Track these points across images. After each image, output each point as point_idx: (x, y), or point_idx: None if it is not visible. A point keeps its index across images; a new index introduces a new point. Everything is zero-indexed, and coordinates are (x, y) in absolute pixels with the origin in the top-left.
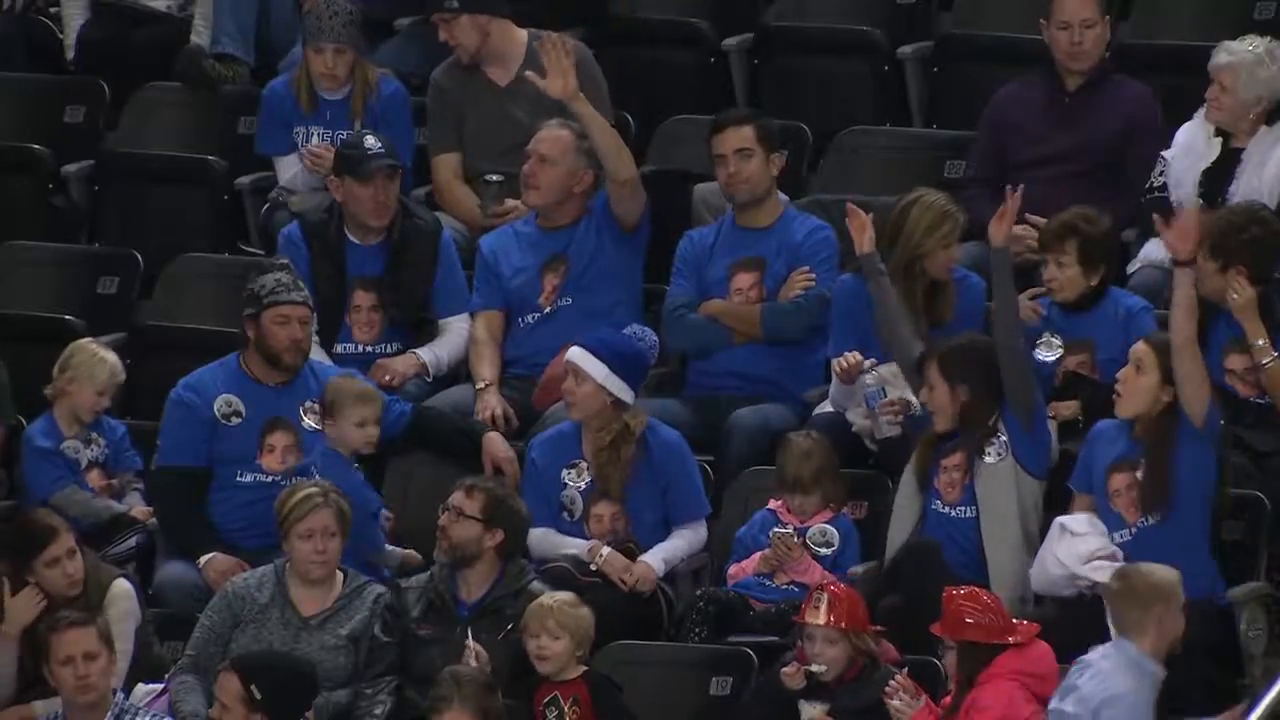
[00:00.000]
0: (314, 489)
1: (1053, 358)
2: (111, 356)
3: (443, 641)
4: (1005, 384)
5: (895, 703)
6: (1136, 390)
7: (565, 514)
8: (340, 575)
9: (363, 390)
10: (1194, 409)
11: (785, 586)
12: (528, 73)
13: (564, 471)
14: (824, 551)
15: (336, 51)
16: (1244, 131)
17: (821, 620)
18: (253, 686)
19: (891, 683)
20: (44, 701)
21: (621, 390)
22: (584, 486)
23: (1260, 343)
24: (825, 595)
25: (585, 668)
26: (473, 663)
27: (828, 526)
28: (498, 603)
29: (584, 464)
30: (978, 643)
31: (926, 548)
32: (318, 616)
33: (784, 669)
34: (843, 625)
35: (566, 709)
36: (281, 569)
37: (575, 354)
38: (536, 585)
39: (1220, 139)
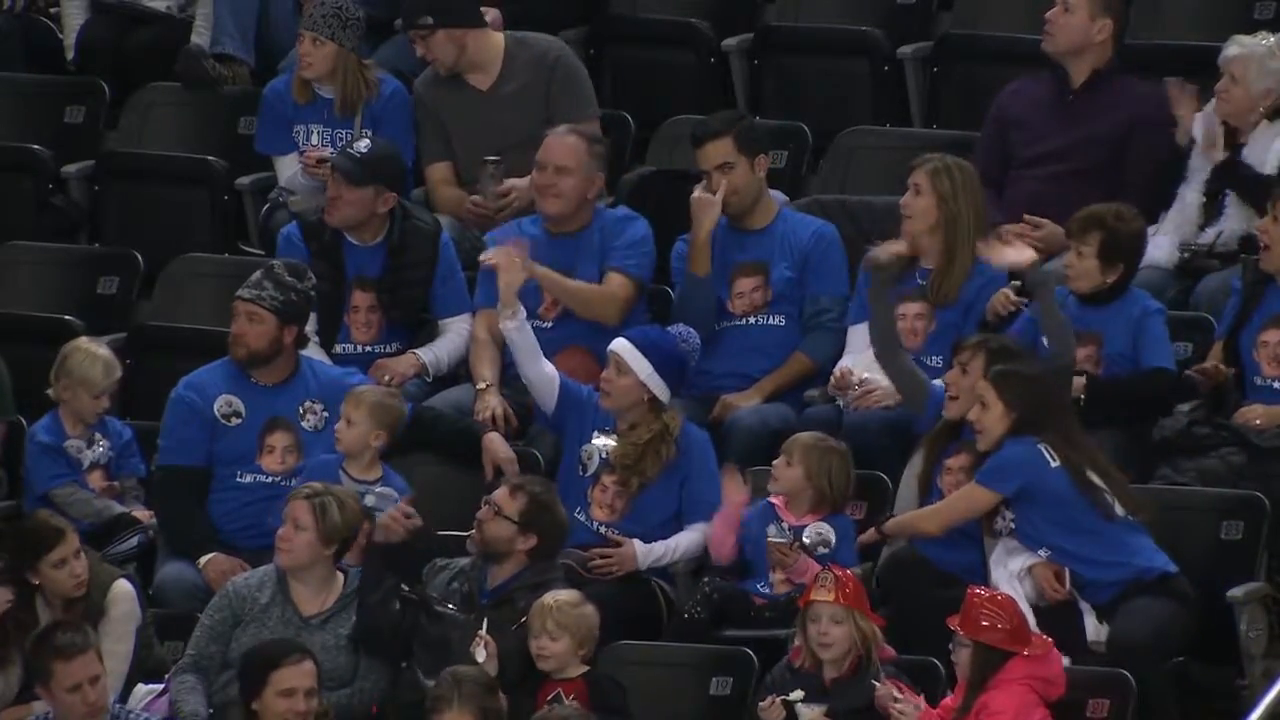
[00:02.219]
0: (309, 486)
1: None
2: (105, 353)
3: (460, 623)
4: (1047, 393)
5: (898, 707)
6: (985, 426)
7: (580, 466)
8: (340, 576)
9: (351, 392)
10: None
11: (783, 590)
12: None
13: (595, 431)
14: (822, 551)
15: (314, 40)
16: (1248, 126)
17: (830, 597)
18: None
19: (880, 690)
20: (41, 701)
21: (660, 390)
22: (606, 455)
23: None
24: (832, 575)
25: (587, 667)
26: (480, 654)
27: (824, 525)
28: (515, 594)
29: (614, 435)
30: (993, 646)
31: (910, 557)
32: (318, 616)
33: (760, 703)
34: (850, 602)
35: (568, 703)
36: (279, 569)
37: (621, 346)
38: (557, 587)
39: (1224, 133)
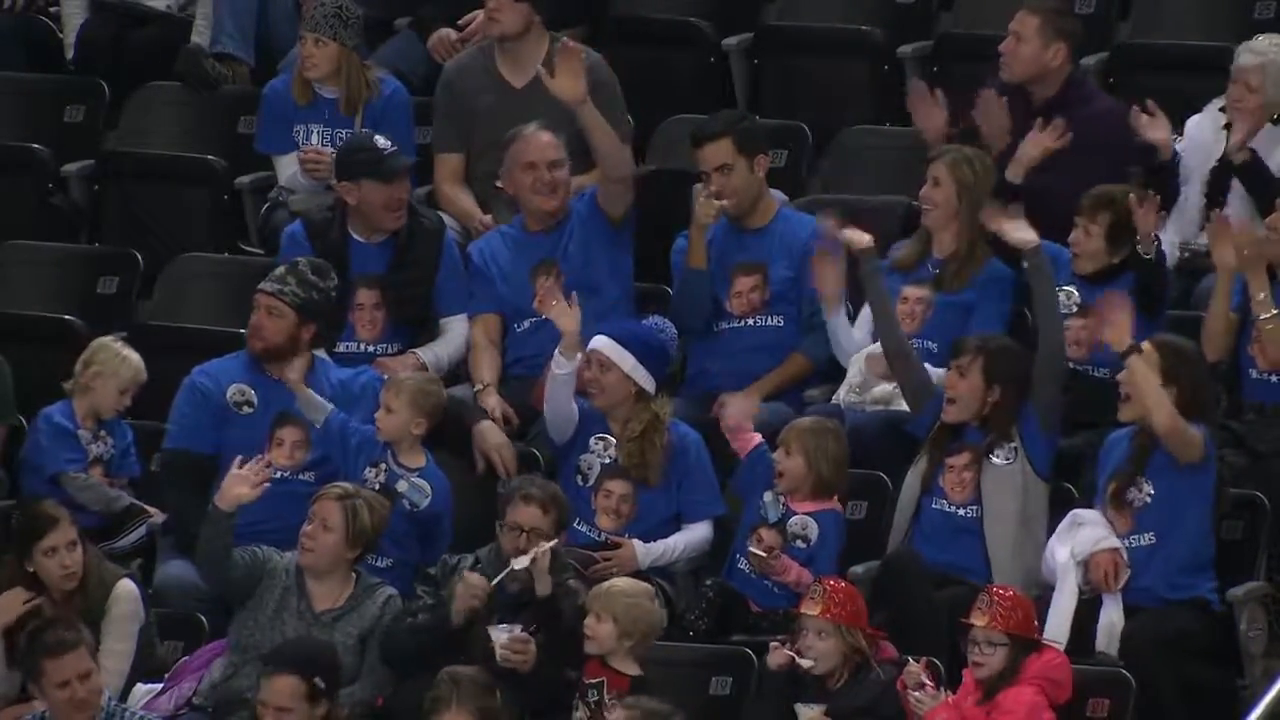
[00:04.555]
0: (340, 486)
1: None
2: (135, 356)
3: (483, 622)
4: (1037, 387)
5: (915, 694)
6: (1135, 396)
7: (579, 477)
8: (353, 575)
9: (390, 380)
10: (1190, 457)
11: (765, 581)
12: (540, 68)
13: (592, 439)
14: (799, 545)
15: (316, 41)
16: (1257, 132)
17: (816, 611)
18: (315, 680)
19: (910, 669)
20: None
21: (646, 381)
22: (608, 460)
23: (1261, 296)
24: (822, 588)
25: (640, 669)
26: (537, 550)
27: (809, 520)
28: (534, 603)
29: (611, 440)
30: (1028, 637)
31: (906, 558)
32: (329, 613)
33: (771, 643)
34: (835, 618)
35: (607, 699)
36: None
37: (601, 343)
38: (573, 583)
39: (1226, 134)
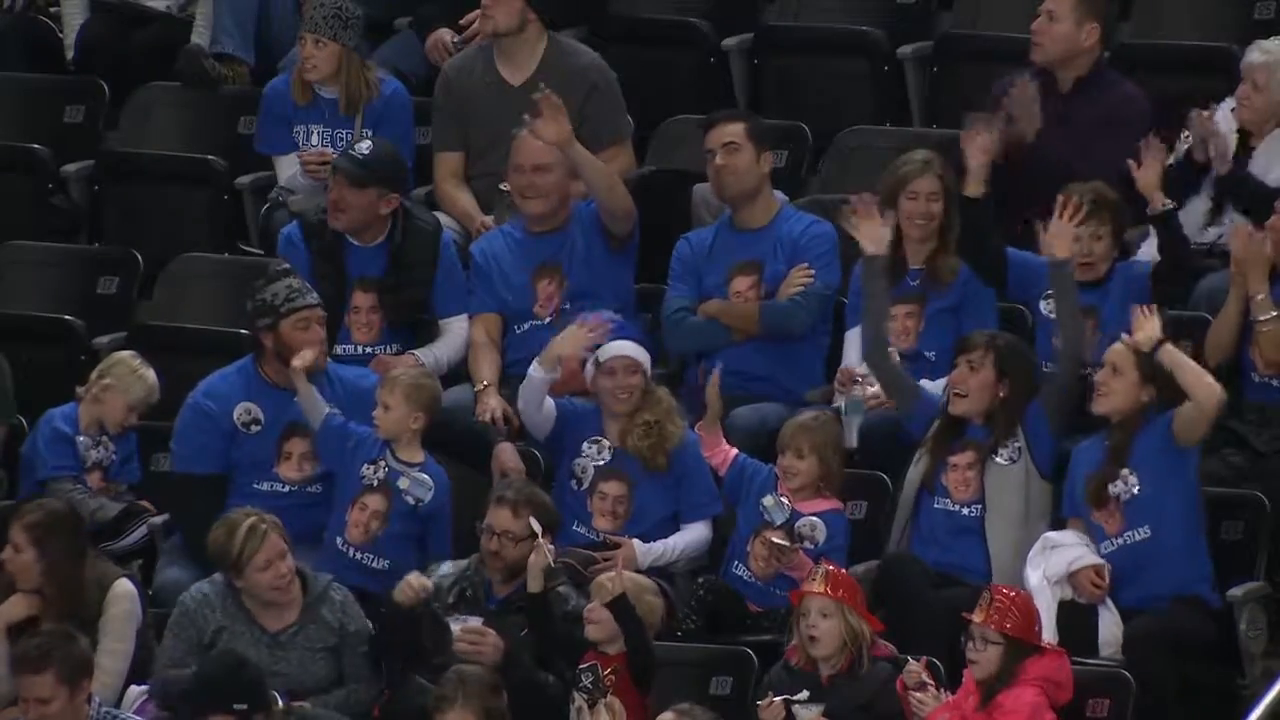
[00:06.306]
0: (251, 518)
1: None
2: (151, 376)
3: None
4: (1052, 389)
5: (916, 695)
6: (1114, 390)
7: (574, 481)
8: (298, 583)
9: (385, 377)
10: (1200, 432)
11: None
12: (519, 132)
13: (585, 443)
14: (807, 546)
15: (316, 42)
16: (1266, 133)
17: (819, 589)
18: (237, 707)
19: (910, 669)
20: None
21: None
22: (602, 462)
23: (1260, 297)
24: (824, 569)
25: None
26: (538, 536)
27: (817, 521)
28: (524, 600)
29: (605, 442)
30: (1024, 641)
31: (904, 559)
32: (285, 632)
33: (759, 702)
34: (839, 595)
35: (603, 677)
36: (225, 587)
37: (629, 349)
38: (564, 589)
39: (1237, 137)
